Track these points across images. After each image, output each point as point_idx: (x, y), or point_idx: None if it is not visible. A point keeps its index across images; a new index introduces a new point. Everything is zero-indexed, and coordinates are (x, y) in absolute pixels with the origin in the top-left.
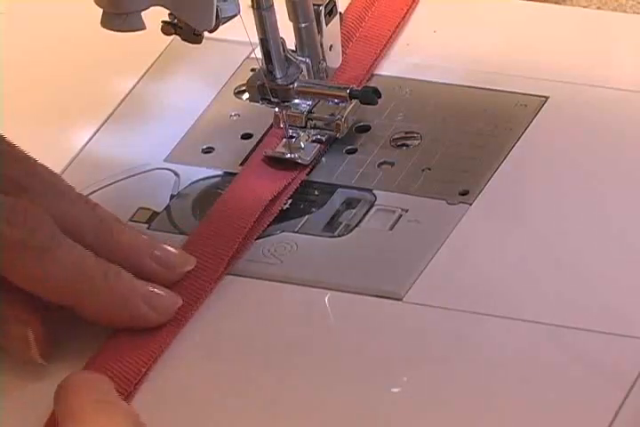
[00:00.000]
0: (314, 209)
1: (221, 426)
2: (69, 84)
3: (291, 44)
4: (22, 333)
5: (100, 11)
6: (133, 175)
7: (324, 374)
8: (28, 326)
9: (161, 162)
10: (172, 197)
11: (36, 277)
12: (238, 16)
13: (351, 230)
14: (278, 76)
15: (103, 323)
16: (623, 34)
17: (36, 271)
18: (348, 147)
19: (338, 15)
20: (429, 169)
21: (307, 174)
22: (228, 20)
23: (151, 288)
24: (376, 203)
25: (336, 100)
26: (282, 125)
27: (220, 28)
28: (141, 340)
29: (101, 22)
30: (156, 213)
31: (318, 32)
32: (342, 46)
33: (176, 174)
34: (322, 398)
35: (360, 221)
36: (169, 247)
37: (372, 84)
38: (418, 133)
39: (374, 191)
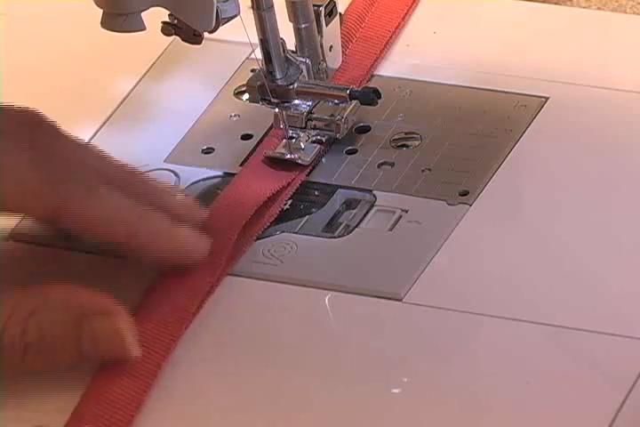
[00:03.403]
0: (314, 210)
1: (220, 425)
2: (69, 85)
3: (291, 44)
4: (112, 324)
5: (100, 11)
6: None
7: (323, 375)
8: (116, 317)
9: (161, 162)
10: None
11: (84, 216)
12: (238, 17)
13: (351, 231)
14: (278, 76)
15: (148, 259)
16: (623, 34)
17: (84, 210)
18: (348, 147)
19: (338, 16)
20: (429, 170)
21: (307, 175)
22: (228, 21)
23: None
24: (376, 203)
25: (336, 101)
26: (282, 126)
27: (220, 28)
28: (148, 341)
29: (101, 23)
30: None
31: (318, 33)
32: (342, 47)
33: (176, 175)
34: (321, 398)
35: (360, 222)
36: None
37: (371, 84)
38: (418, 134)
39: (374, 192)
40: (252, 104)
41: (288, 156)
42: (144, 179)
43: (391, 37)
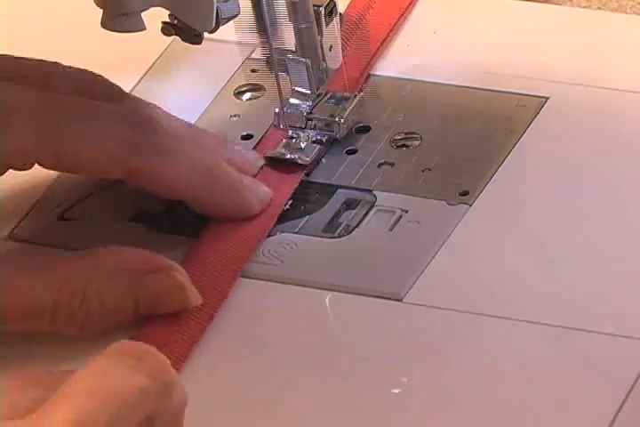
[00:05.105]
0: (314, 210)
1: (219, 424)
2: None
3: (291, 44)
4: (171, 278)
5: (100, 11)
6: None
7: (323, 375)
8: (174, 271)
9: None
10: None
11: (161, 175)
12: (238, 17)
13: (351, 231)
14: None
15: (215, 214)
16: (623, 34)
17: (160, 170)
18: (349, 147)
19: (338, 16)
20: (429, 170)
21: (307, 175)
22: (228, 21)
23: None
24: (376, 203)
25: (334, 101)
26: (282, 126)
27: (221, 28)
28: (170, 336)
29: (101, 23)
30: (156, 214)
31: (318, 33)
32: (342, 46)
33: None
34: (321, 398)
35: (360, 222)
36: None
37: (371, 84)
38: (418, 134)
39: (374, 192)
40: (252, 104)
41: (288, 156)
42: (208, 133)
43: (391, 37)
